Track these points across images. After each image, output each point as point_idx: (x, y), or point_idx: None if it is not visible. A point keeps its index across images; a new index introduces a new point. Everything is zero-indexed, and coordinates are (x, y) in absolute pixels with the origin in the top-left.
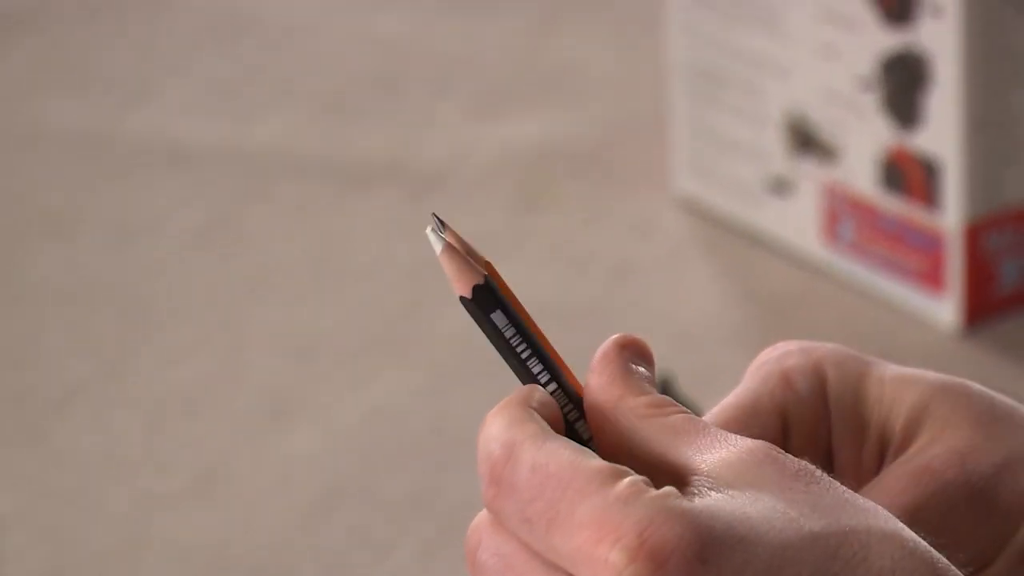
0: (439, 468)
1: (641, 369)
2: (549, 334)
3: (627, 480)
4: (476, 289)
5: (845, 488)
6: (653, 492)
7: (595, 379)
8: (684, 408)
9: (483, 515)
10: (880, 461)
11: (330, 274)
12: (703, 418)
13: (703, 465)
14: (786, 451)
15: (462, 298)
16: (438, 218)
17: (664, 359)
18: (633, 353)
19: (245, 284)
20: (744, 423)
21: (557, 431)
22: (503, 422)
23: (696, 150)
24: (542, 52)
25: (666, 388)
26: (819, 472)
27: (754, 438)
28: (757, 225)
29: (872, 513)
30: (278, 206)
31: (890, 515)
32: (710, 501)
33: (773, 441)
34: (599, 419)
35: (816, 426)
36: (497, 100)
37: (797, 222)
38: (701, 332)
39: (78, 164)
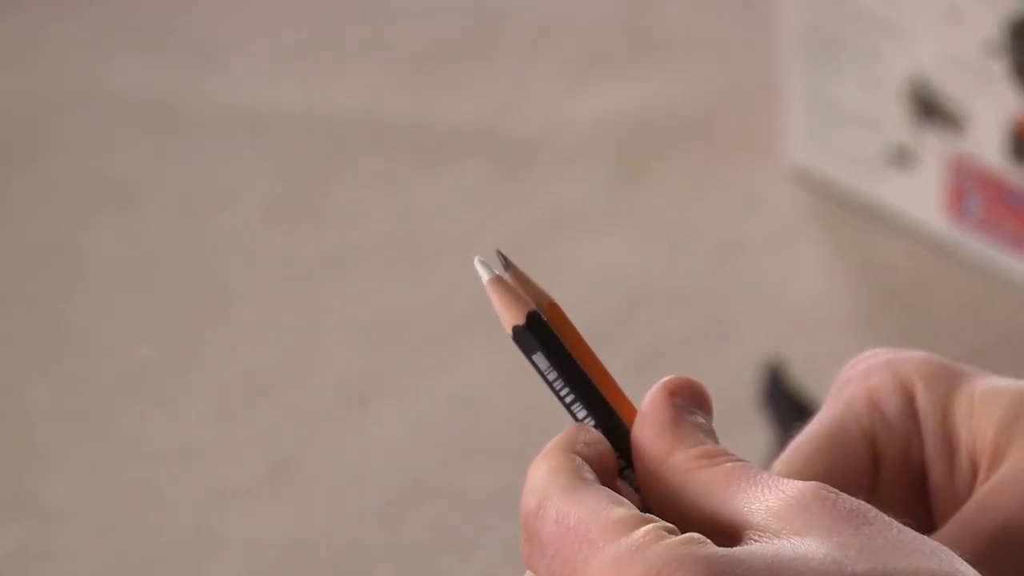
0: (527, 462)
1: (696, 416)
2: (651, 317)
3: (644, 528)
4: (517, 329)
5: (901, 527)
6: (670, 539)
7: (642, 430)
8: (736, 456)
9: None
10: (973, 478)
11: (414, 251)
12: (798, 438)
13: (753, 517)
14: (877, 477)
15: (512, 334)
16: (503, 255)
17: (774, 344)
18: (685, 398)
19: (322, 262)
20: (830, 454)
21: (606, 472)
22: (543, 471)
23: (810, 119)
24: (645, 14)
25: (776, 376)
26: (873, 512)
27: (842, 469)
28: (876, 199)
29: (926, 554)
30: (359, 178)
31: (948, 554)
32: (739, 548)
33: (863, 470)
34: (647, 473)
35: (907, 448)
36: (596, 65)
37: (919, 196)
38: (815, 315)
39: (145, 130)
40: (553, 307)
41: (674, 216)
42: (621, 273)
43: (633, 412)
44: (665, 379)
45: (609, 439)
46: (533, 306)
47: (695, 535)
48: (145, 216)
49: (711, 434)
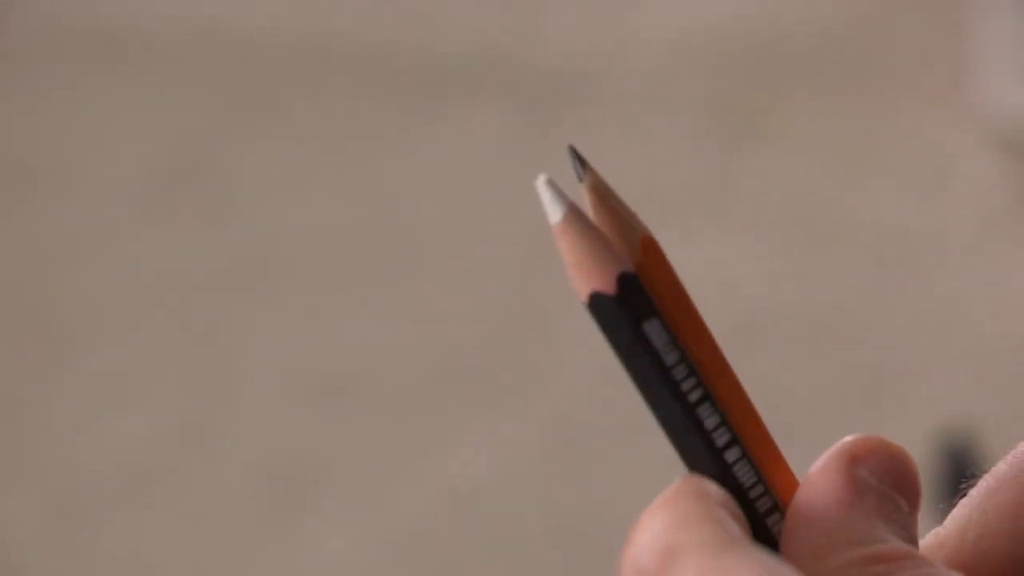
0: None
1: (888, 498)
2: (773, 356)
3: None
4: (597, 299)
5: None
6: None
7: (802, 507)
8: (923, 563)
9: None
10: None
11: (387, 255)
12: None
13: None
14: None
15: (589, 301)
16: (576, 153)
17: (965, 399)
18: (874, 469)
19: (235, 273)
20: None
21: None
22: (664, 521)
23: None
24: None
25: (963, 460)
26: None
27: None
28: None
29: None
30: (306, 130)
31: None
32: None
33: None
34: (804, 555)
35: None
36: None
37: None
38: None
39: None
40: (650, 246)
41: (809, 198)
42: (723, 288)
43: (771, 451)
44: (849, 439)
45: (748, 466)
46: (627, 265)
47: None
48: None
49: (905, 525)
